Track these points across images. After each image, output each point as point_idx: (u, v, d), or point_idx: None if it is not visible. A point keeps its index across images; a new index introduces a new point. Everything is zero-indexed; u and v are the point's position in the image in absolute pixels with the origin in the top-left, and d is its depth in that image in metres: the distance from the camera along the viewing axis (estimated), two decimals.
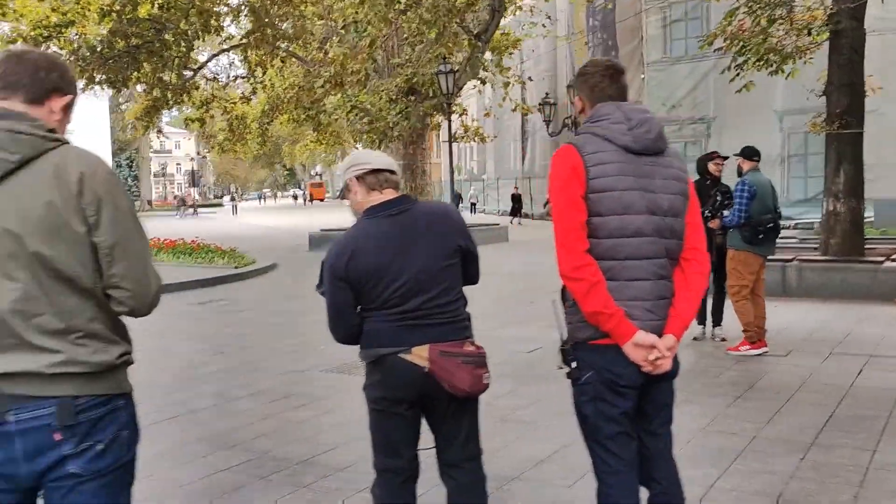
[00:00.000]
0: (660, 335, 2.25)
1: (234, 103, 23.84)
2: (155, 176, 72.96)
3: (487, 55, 16.24)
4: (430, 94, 15.08)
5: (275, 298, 11.24)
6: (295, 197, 72.75)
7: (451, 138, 13.53)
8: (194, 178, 62.91)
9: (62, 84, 1.75)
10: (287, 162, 62.91)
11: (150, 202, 61.40)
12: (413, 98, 15.32)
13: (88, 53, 19.86)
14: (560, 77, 27.12)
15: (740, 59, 9.85)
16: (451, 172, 13.50)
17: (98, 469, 1.68)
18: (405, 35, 15.29)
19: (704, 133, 22.71)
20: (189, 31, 20.51)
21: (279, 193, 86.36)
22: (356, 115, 14.97)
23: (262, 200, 75.76)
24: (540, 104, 16.95)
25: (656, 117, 2.35)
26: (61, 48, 20.09)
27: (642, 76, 24.09)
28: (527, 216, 28.45)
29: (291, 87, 21.99)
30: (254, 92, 22.79)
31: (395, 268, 2.43)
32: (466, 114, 21.54)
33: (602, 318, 2.19)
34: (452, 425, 2.58)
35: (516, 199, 28.16)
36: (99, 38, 19.44)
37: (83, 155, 1.69)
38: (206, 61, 23.18)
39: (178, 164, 77.63)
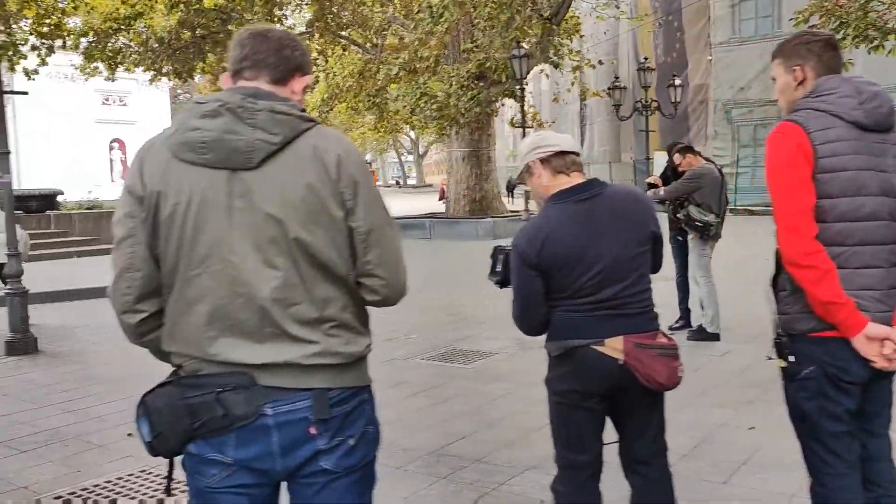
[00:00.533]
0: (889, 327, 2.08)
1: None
2: None
3: (558, 38, 15.94)
4: (502, 79, 14.86)
5: None
6: None
7: (524, 123, 13.33)
8: None
9: (303, 63, 1.67)
10: None
11: None
12: (481, 83, 15.14)
13: (157, 45, 20.21)
14: (622, 61, 26.57)
15: (837, 36, 9.41)
16: None
17: (349, 466, 1.60)
18: (475, 19, 15.11)
19: (776, 115, 21.93)
20: (253, 21, 20.71)
21: None
22: (426, 101, 14.89)
23: None
24: (609, 88, 16.61)
25: (884, 91, 2.16)
26: (130, 40, 20.52)
27: (709, 58, 23.44)
28: None
29: (351, 75, 22.03)
30: (316, 81, 22.90)
31: (589, 255, 2.31)
32: (517, 100, 21.29)
33: (833, 309, 2.03)
34: (643, 419, 2.46)
35: None
36: (167, 30, 19.75)
37: (337, 136, 1.61)
38: None
39: None
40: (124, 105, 42.36)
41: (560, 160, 2.42)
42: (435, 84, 14.93)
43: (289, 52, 1.63)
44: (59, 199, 17.68)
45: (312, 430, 1.55)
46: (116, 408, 5.01)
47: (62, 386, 5.66)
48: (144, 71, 21.66)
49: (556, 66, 15.93)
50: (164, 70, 21.40)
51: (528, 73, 14.51)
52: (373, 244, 1.58)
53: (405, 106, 16.00)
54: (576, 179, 2.41)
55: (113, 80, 21.72)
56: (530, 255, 2.34)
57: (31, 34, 19.37)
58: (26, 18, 19.26)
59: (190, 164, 1.52)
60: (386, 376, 5.63)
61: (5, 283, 7.51)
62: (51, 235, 15.23)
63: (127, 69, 21.31)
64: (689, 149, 6.45)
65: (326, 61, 21.75)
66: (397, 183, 74.42)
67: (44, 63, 19.36)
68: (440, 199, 28.68)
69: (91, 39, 20.16)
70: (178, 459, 1.67)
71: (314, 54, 22.20)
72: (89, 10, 19.54)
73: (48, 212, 16.28)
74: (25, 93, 7.80)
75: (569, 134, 29.63)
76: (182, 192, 1.52)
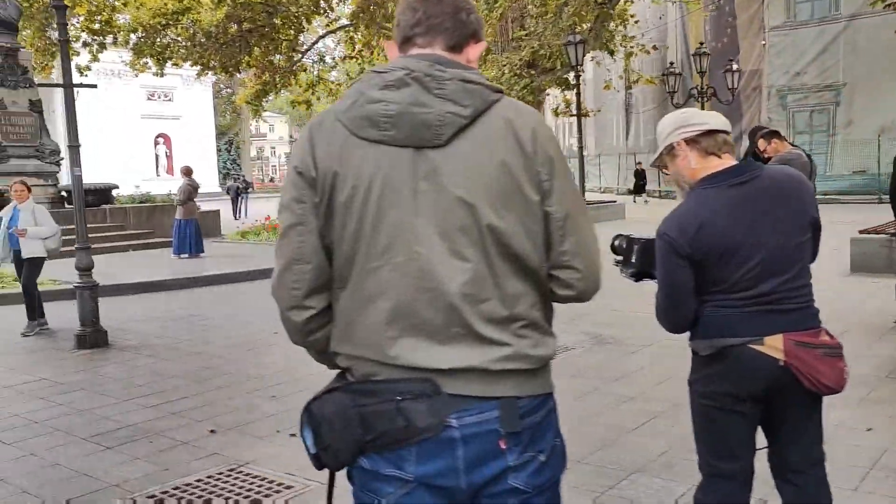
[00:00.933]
0: None
1: (340, 85, 24.00)
2: (252, 160, 74.81)
3: (612, 24, 15.57)
4: (557, 67, 14.55)
5: None
6: None
7: (580, 111, 13.00)
8: None
9: (479, 29, 1.48)
10: None
11: (251, 184, 63.12)
12: (533, 72, 14.88)
13: (204, 39, 20.33)
14: (671, 47, 25.95)
15: None
16: (580, 148, 12.95)
17: (539, 484, 1.41)
18: (527, 6, 14.84)
19: (833, 101, 21.24)
20: (298, 14, 20.71)
21: None
22: None
23: None
24: (663, 74, 16.14)
25: None
26: (178, 35, 20.69)
27: (763, 42, 22.75)
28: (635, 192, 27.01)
29: None
30: (361, 73, 22.84)
31: (748, 245, 2.10)
32: (570, 88, 20.86)
33: None
34: (799, 423, 2.25)
35: (640, 176, 25.83)
36: (213, 24, 19.84)
37: (528, 108, 1.42)
38: (314, 42, 23.41)
39: (272, 147, 79.61)
40: (169, 100, 42.97)
41: (710, 140, 2.21)
42: (485, 73, 14.73)
43: (464, 15, 1.45)
44: (114, 193, 17.91)
45: (502, 445, 1.36)
46: (194, 403, 4.94)
47: (137, 380, 5.61)
48: (192, 65, 21.83)
49: (612, 52, 15.53)
50: (211, 64, 21.53)
51: (582, 60, 14.20)
52: (569, 232, 1.39)
53: None
54: (728, 161, 2.20)
55: (161, 76, 21.94)
56: (682, 245, 2.13)
57: (82, 31, 19.68)
58: (78, 16, 19.58)
59: (370, 142, 1.34)
60: None
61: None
62: (107, 229, 15.40)
63: (175, 64, 21.49)
64: (775, 133, 6.12)
65: (371, 53, 21.66)
66: None
67: (96, 59, 19.66)
68: None
69: (140, 35, 20.37)
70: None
71: (358, 47, 22.16)
72: (138, 6, 19.75)
73: (104, 206, 16.49)
74: (94, 85, 7.82)
75: (614, 122, 28.90)
76: (362, 173, 1.34)
